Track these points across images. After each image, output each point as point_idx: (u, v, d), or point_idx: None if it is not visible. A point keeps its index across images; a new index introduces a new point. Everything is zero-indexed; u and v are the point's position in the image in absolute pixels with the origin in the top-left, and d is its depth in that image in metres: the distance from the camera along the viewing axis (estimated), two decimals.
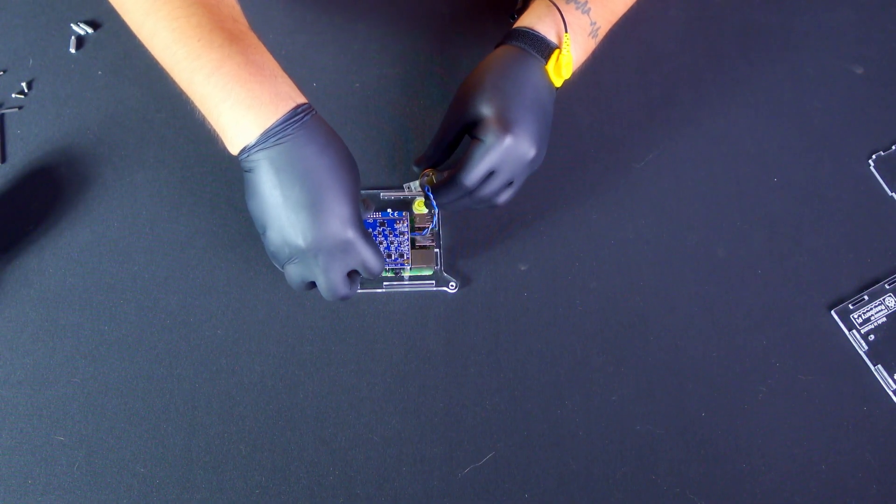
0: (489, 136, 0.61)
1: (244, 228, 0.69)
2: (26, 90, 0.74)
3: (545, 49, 0.64)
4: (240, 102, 0.54)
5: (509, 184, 0.64)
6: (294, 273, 0.58)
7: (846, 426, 0.65)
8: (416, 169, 0.69)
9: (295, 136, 0.55)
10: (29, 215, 0.69)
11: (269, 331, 0.66)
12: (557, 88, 0.66)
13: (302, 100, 0.56)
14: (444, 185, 0.64)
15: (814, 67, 0.78)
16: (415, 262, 0.67)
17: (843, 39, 0.80)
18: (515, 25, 0.67)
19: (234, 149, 0.56)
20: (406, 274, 0.68)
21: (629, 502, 0.62)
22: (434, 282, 0.68)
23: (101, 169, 0.71)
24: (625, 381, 0.66)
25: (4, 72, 0.75)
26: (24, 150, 0.72)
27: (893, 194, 0.74)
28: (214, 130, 0.57)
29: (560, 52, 0.64)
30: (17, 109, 0.73)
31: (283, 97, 0.55)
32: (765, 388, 0.66)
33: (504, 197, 0.64)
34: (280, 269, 0.59)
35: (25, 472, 0.61)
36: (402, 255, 0.67)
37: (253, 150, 0.54)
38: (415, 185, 0.69)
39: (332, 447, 0.63)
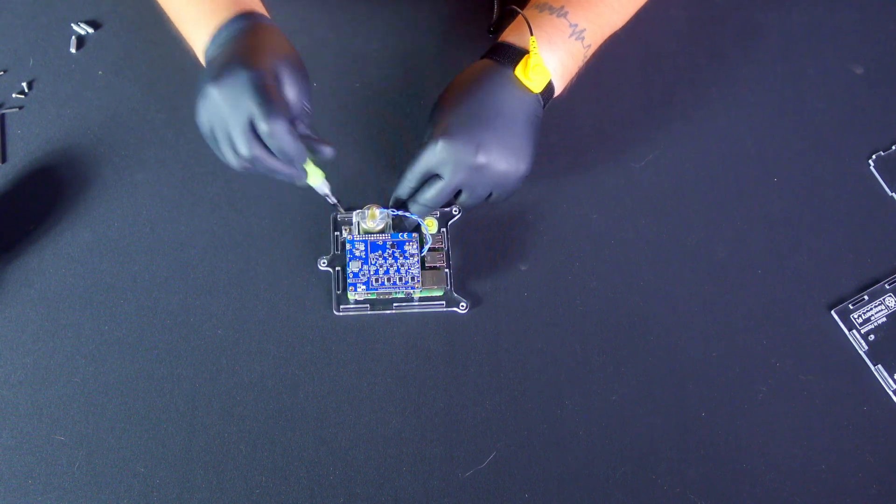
0: (427, 140, 0.63)
1: (244, 228, 0.69)
2: (27, 90, 0.74)
3: (515, 56, 0.65)
4: (201, 13, 0.63)
5: (461, 191, 0.64)
6: (219, 136, 0.58)
7: (846, 426, 0.65)
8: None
9: (238, 33, 0.60)
10: (29, 215, 0.69)
11: (269, 331, 0.66)
12: (547, 95, 0.66)
13: (250, 9, 0.62)
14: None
15: (814, 67, 0.78)
16: (425, 284, 0.66)
17: (843, 39, 0.80)
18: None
19: (201, 56, 0.63)
20: (416, 295, 0.67)
21: (629, 502, 0.62)
22: (444, 302, 0.68)
23: (102, 169, 0.71)
24: (625, 381, 0.66)
25: (5, 72, 0.75)
26: (24, 150, 0.72)
27: (893, 194, 0.74)
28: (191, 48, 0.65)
29: (528, 56, 0.64)
30: (17, 109, 0.73)
31: (236, 6, 0.62)
32: (765, 388, 0.66)
33: (461, 201, 0.65)
34: (224, 158, 0.60)
35: (25, 471, 0.61)
36: (412, 278, 0.66)
37: (211, 47, 0.61)
38: (380, 213, 0.67)
39: (332, 447, 0.63)
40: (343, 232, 0.69)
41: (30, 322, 0.66)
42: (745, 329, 0.68)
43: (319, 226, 0.70)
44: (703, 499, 0.62)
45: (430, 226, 0.68)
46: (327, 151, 0.60)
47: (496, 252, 0.70)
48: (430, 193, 0.64)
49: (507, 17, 0.70)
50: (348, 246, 0.66)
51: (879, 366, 0.67)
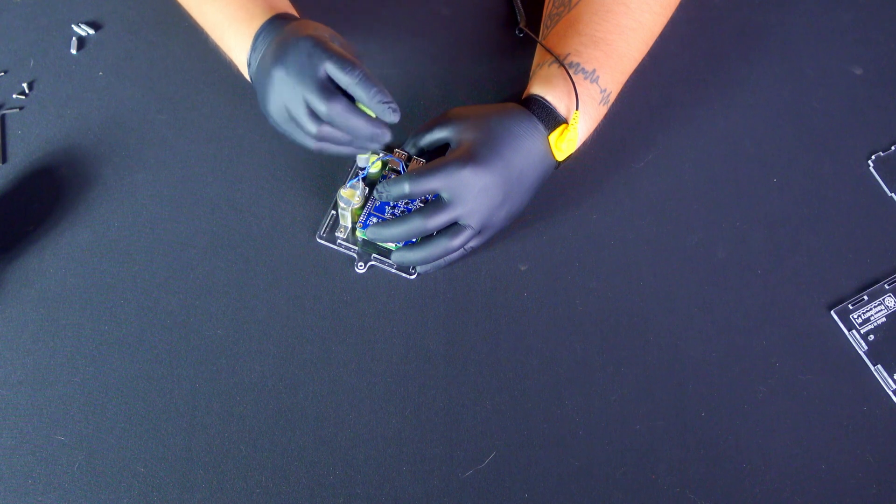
0: (452, 157, 0.62)
1: (244, 228, 0.70)
2: (27, 91, 0.74)
3: (553, 122, 0.65)
4: (236, 26, 0.64)
5: (452, 230, 0.64)
6: (296, 112, 0.60)
7: (846, 426, 0.65)
8: (410, 149, 0.69)
9: (279, 29, 0.62)
10: (30, 215, 0.69)
11: (269, 331, 0.66)
12: (559, 163, 0.67)
13: (284, 10, 0.65)
14: (397, 177, 0.65)
15: (813, 68, 0.78)
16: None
17: (842, 40, 0.80)
18: (530, 90, 0.67)
19: (241, 57, 0.65)
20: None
21: (629, 502, 0.62)
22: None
23: (102, 169, 0.71)
24: (625, 381, 0.66)
25: (6, 72, 0.75)
26: (24, 151, 0.72)
27: (893, 194, 0.74)
28: (230, 59, 0.68)
29: (566, 128, 0.65)
30: (18, 110, 0.73)
31: (272, 8, 0.64)
32: (765, 388, 0.66)
33: (457, 240, 0.64)
34: (283, 130, 0.63)
35: (26, 471, 0.61)
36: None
37: (252, 54, 0.63)
38: (357, 190, 0.67)
39: (332, 447, 0.63)
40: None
41: (30, 322, 0.66)
42: (744, 329, 0.68)
43: (319, 226, 0.70)
44: (703, 499, 0.62)
45: (375, 165, 0.69)
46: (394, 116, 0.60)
47: (495, 253, 0.70)
48: (437, 215, 0.62)
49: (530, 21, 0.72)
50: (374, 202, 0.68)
51: (879, 366, 0.67)
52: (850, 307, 0.69)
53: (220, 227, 0.70)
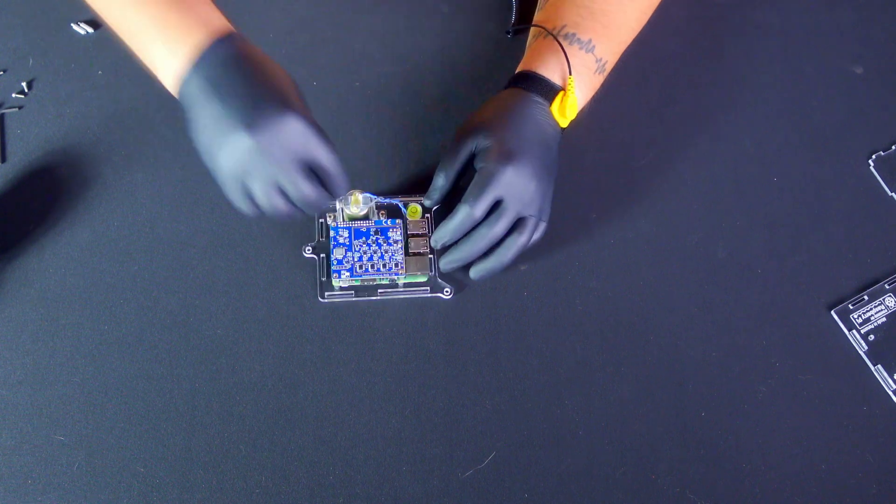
0: (490, 164, 0.62)
1: (244, 228, 0.69)
2: (26, 90, 0.74)
3: (549, 91, 0.66)
4: (170, 33, 0.56)
5: (518, 226, 0.64)
6: (257, 186, 0.55)
7: (846, 426, 0.65)
8: (426, 203, 0.68)
9: (225, 56, 0.55)
10: (29, 215, 0.69)
11: (269, 331, 0.66)
12: (563, 129, 0.67)
13: (226, 30, 0.57)
14: (447, 218, 0.64)
15: (814, 67, 0.78)
16: (409, 270, 0.67)
17: (842, 39, 0.80)
18: (520, 68, 0.68)
19: (169, 80, 0.57)
20: (401, 281, 0.67)
21: (629, 502, 0.62)
22: (429, 288, 0.68)
23: (102, 168, 0.71)
24: (625, 381, 0.66)
25: (4, 71, 0.75)
26: (24, 150, 0.72)
27: (893, 194, 0.74)
28: (144, 64, 0.59)
29: (565, 95, 0.65)
30: (17, 109, 0.73)
31: (210, 26, 0.56)
32: (765, 388, 0.66)
33: (521, 239, 0.64)
34: (242, 206, 0.57)
35: (25, 471, 0.61)
36: (396, 264, 0.66)
37: (186, 77, 0.56)
38: (363, 198, 0.67)
39: (332, 447, 0.63)
40: (327, 219, 0.69)
41: (30, 322, 0.66)
42: (744, 329, 0.68)
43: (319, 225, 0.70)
44: (703, 499, 0.62)
45: (414, 213, 0.68)
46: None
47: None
48: (502, 226, 0.63)
49: (524, 20, 0.71)
50: (332, 233, 0.67)
51: (879, 366, 0.67)
52: (851, 307, 0.69)
53: (220, 226, 0.69)
